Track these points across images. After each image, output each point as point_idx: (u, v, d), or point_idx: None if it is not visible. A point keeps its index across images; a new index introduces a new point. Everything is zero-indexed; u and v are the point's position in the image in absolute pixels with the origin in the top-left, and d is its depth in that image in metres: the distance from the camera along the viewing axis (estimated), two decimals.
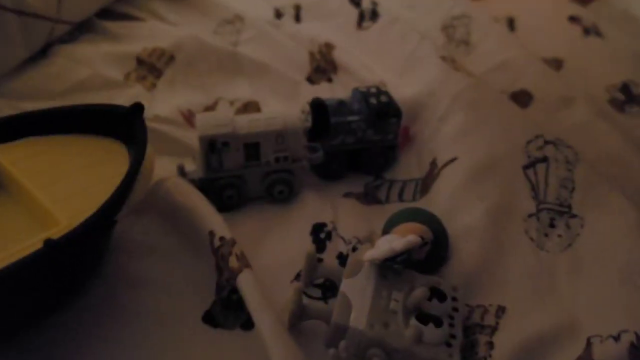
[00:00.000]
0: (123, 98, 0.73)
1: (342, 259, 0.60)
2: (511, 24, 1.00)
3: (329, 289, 0.57)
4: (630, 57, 0.92)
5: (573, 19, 1.01)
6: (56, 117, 0.58)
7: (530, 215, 0.60)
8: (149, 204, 0.59)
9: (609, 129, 0.74)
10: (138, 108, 0.55)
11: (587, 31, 0.97)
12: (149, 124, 0.68)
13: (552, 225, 0.59)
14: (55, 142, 0.58)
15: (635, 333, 0.47)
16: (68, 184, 0.53)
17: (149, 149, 0.53)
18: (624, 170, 0.67)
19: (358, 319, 0.49)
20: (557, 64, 0.90)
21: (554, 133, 0.67)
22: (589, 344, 0.47)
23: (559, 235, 0.58)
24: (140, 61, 0.81)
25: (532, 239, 0.58)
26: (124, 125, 0.56)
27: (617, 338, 0.47)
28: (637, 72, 0.87)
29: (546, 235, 0.59)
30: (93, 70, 0.77)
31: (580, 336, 0.48)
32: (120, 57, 0.81)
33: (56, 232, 0.46)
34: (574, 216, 0.59)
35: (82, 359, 0.49)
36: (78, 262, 0.50)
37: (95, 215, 0.47)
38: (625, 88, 0.84)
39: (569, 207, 0.60)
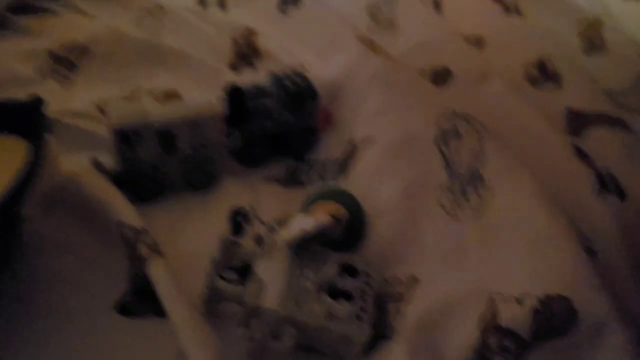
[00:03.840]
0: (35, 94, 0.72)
1: (261, 241, 0.60)
2: (437, 4, 1.02)
3: (247, 271, 0.57)
4: (548, 34, 0.94)
5: None
6: None
7: (442, 186, 0.61)
8: (59, 199, 0.58)
9: (522, 104, 0.75)
10: (37, 101, 0.54)
11: (507, 9, 0.99)
12: (64, 119, 0.68)
13: (463, 195, 0.60)
14: None
15: (538, 297, 0.48)
16: None
17: (51, 143, 0.53)
18: (534, 142, 0.69)
19: (270, 299, 0.50)
20: (478, 42, 0.92)
21: (467, 108, 0.68)
22: (490, 300, 0.49)
23: (470, 204, 0.59)
24: (53, 56, 0.79)
25: (445, 209, 0.60)
26: (22, 120, 0.54)
27: (520, 300, 0.48)
28: (553, 49, 0.89)
29: (458, 205, 0.60)
30: (4, 66, 0.75)
31: (482, 295, 0.50)
32: (32, 53, 0.79)
33: None
34: (486, 184, 0.60)
35: None
36: None
37: None
38: (540, 65, 0.86)
39: (481, 177, 0.61)
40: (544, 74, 0.86)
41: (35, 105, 0.54)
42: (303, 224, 0.53)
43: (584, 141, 0.72)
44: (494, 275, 0.52)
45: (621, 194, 0.64)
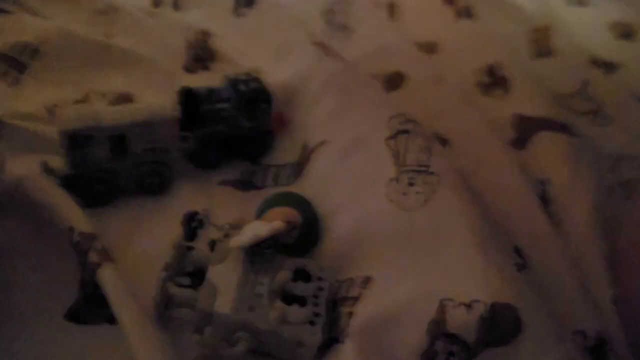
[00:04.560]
0: None
1: (214, 246, 0.60)
2: (391, 9, 1.03)
3: (199, 277, 0.57)
4: (499, 39, 0.96)
5: (448, 1, 1.04)
6: None
7: (391, 180, 0.61)
8: (6, 203, 0.57)
9: (468, 110, 0.77)
10: None
11: (459, 14, 1.01)
12: (11, 120, 0.66)
13: (411, 184, 0.60)
14: None
15: (485, 305, 0.48)
16: None
17: None
18: (478, 148, 0.71)
19: (223, 304, 0.50)
20: (431, 47, 0.94)
21: (418, 113, 0.69)
22: (442, 306, 0.49)
23: (417, 192, 0.59)
24: (2, 56, 0.77)
25: (392, 201, 0.59)
26: None
27: (469, 306, 0.49)
28: (503, 54, 0.91)
29: (405, 194, 0.59)
30: None
31: (434, 301, 0.50)
32: None
33: None
34: (431, 173, 0.61)
35: None
36: None
37: None
38: (490, 71, 0.88)
39: (427, 166, 0.61)
40: (493, 79, 0.88)
41: None
42: (256, 229, 0.53)
43: (529, 154, 0.73)
44: (445, 277, 0.52)
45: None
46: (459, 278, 0.52)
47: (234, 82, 0.69)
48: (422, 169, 0.61)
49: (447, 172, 0.61)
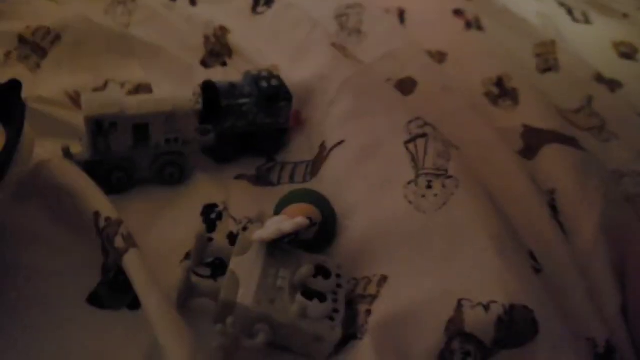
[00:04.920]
0: (3, 78, 0.69)
1: (233, 238, 0.61)
2: (402, 15, 1.04)
3: (219, 267, 0.58)
4: (506, 52, 0.98)
5: (457, 12, 1.06)
6: None
7: (409, 182, 0.62)
8: (30, 187, 0.57)
9: (479, 118, 0.78)
10: (15, 84, 0.53)
11: (469, 25, 1.03)
12: (32, 105, 0.66)
13: (429, 187, 0.61)
14: None
15: (504, 306, 0.49)
16: None
17: (28, 128, 0.52)
18: (488, 156, 0.72)
19: (245, 296, 0.50)
20: (440, 56, 0.95)
21: (433, 118, 0.70)
22: (459, 306, 0.50)
23: (435, 195, 0.60)
24: (22, 40, 0.77)
25: (410, 202, 0.60)
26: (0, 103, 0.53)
27: (486, 307, 0.50)
28: (511, 66, 0.92)
29: (423, 196, 0.61)
30: None
31: (451, 300, 0.51)
32: (1, 36, 0.77)
33: None
34: (450, 177, 0.62)
35: None
36: None
37: None
38: (499, 82, 0.89)
39: (446, 170, 0.63)
40: (502, 90, 0.89)
41: (13, 89, 0.53)
42: (280, 224, 0.54)
43: (538, 165, 0.75)
44: (463, 278, 0.53)
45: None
46: (476, 278, 0.53)
47: (255, 79, 0.70)
48: (441, 172, 0.62)
49: (466, 176, 0.62)
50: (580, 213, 0.68)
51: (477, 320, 0.49)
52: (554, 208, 0.69)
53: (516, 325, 0.49)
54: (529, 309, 0.50)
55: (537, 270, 0.58)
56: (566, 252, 0.63)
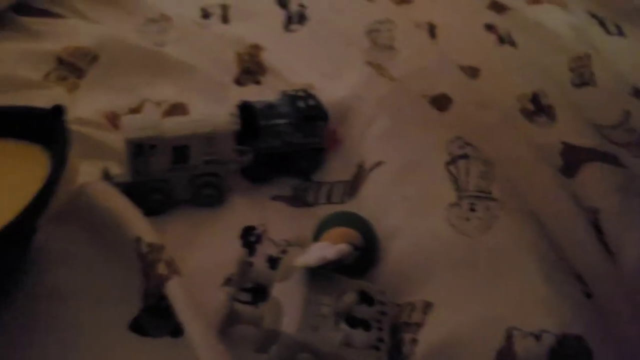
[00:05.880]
0: (42, 99, 0.69)
1: (272, 262, 0.60)
2: (432, 30, 1.03)
3: (259, 293, 0.57)
4: (540, 67, 0.96)
5: (489, 27, 1.05)
6: None
7: (452, 205, 0.61)
8: (70, 210, 0.57)
9: (516, 135, 0.77)
10: (59, 109, 0.53)
11: (501, 40, 1.02)
12: (71, 126, 0.66)
13: (472, 210, 0.60)
14: None
15: (556, 336, 0.48)
16: None
17: (71, 153, 0.52)
18: (528, 174, 0.70)
19: (290, 324, 0.49)
20: (473, 72, 0.94)
21: (471, 136, 0.69)
22: (510, 336, 0.49)
23: (479, 218, 0.59)
24: (60, 61, 0.78)
25: (453, 225, 0.59)
26: (44, 128, 0.53)
27: (538, 337, 0.49)
28: (545, 82, 0.91)
29: (467, 219, 0.60)
30: (8, 69, 0.73)
31: (501, 329, 0.50)
32: (38, 56, 0.77)
33: None
34: (494, 200, 0.61)
35: None
36: None
37: (13, 222, 0.45)
38: (535, 98, 0.88)
39: (489, 193, 0.62)
40: (537, 107, 0.88)
41: (57, 114, 0.53)
42: (324, 251, 0.53)
43: (579, 183, 0.72)
44: (511, 305, 0.52)
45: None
46: (525, 306, 0.52)
47: (292, 98, 0.70)
48: (484, 195, 0.61)
49: (510, 198, 0.61)
50: (624, 233, 0.66)
51: (529, 351, 0.48)
52: (597, 228, 0.67)
53: (570, 357, 0.48)
54: (581, 338, 0.49)
55: (588, 295, 0.56)
56: (613, 275, 0.61)
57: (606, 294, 0.59)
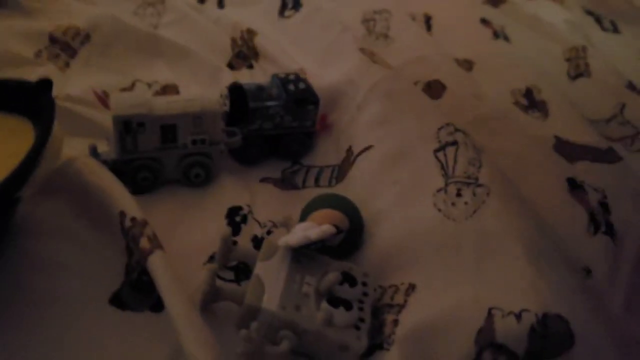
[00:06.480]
0: (33, 76, 0.68)
1: (257, 242, 0.61)
2: (428, 22, 1.03)
3: (242, 271, 0.57)
4: (535, 62, 0.96)
5: (484, 21, 1.05)
6: None
7: (439, 190, 0.61)
8: (56, 183, 0.56)
9: (509, 126, 0.77)
10: (46, 83, 0.53)
11: (496, 34, 1.02)
12: (61, 103, 0.66)
13: (459, 195, 0.60)
14: None
15: (536, 315, 0.48)
16: None
17: (57, 127, 0.51)
18: (526, 170, 0.70)
19: (270, 301, 0.50)
20: (467, 65, 0.94)
21: (463, 123, 0.69)
22: (490, 315, 0.49)
23: (465, 203, 0.59)
24: (53, 39, 0.78)
25: (439, 210, 0.59)
26: (31, 101, 0.53)
27: (518, 316, 0.48)
28: (539, 77, 0.91)
29: (453, 204, 0.60)
30: (1, 45, 0.73)
31: (482, 309, 0.50)
32: (31, 33, 0.77)
33: None
34: (481, 185, 0.61)
35: None
36: None
37: None
38: (528, 93, 0.88)
39: (476, 179, 0.62)
40: (530, 102, 0.87)
41: (44, 87, 0.53)
42: (307, 231, 0.53)
43: (577, 171, 0.72)
44: (493, 286, 0.52)
45: (612, 232, 0.65)
46: (507, 287, 0.51)
47: (283, 82, 0.70)
48: (471, 180, 0.61)
49: (497, 184, 0.60)
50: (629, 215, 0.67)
51: (508, 330, 0.48)
52: (605, 206, 0.67)
53: (550, 336, 0.48)
54: (563, 318, 0.49)
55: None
56: (610, 256, 0.62)
57: (602, 276, 0.59)
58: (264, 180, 0.69)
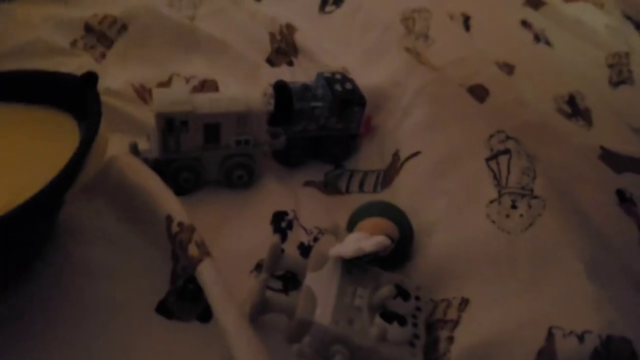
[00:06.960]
0: (69, 67, 0.67)
1: (303, 249, 0.58)
2: (467, 22, 1.00)
3: (290, 280, 0.55)
4: (577, 67, 0.93)
5: (525, 23, 1.02)
6: None
7: (492, 201, 0.59)
8: (99, 184, 0.54)
9: (556, 134, 0.74)
10: (91, 77, 0.50)
11: (537, 38, 0.99)
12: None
13: (513, 207, 0.58)
14: None
15: (600, 337, 0.45)
16: (9, 158, 0.48)
17: (102, 124, 0.49)
18: (574, 180, 0.68)
19: (323, 315, 0.47)
20: (508, 69, 0.91)
21: (513, 130, 0.66)
22: (550, 334, 0.46)
23: (521, 215, 0.57)
24: (89, 28, 0.75)
25: (493, 222, 0.57)
26: (74, 96, 0.51)
27: (580, 338, 0.46)
28: (581, 82, 0.88)
29: (507, 216, 0.57)
30: (36, 33, 0.71)
31: (541, 328, 0.47)
32: (66, 22, 0.75)
33: None
34: (536, 197, 0.58)
35: (24, 346, 0.45)
36: (20, 244, 0.46)
37: (40, 194, 0.42)
38: (571, 100, 0.85)
39: (531, 190, 0.59)
40: (574, 109, 0.85)
41: (89, 82, 0.50)
42: (361, 242, 0.50)
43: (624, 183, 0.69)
44: (553, 304, 0.49)
45: None
46: (568, 305, 0.49)
47: (329, 81, 0.67)
48: (526, 192, 0.58)
49: (553, 196, 0.58)
50: None
51: (570, 352, 0.45)
52: None
53: (614, 358, 0.45)
54: (627, 339, 0.46)
55: None
56: None
57: None
58: (307, 183, 0.67)
